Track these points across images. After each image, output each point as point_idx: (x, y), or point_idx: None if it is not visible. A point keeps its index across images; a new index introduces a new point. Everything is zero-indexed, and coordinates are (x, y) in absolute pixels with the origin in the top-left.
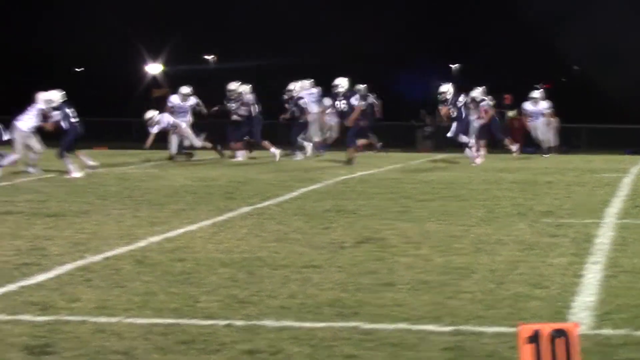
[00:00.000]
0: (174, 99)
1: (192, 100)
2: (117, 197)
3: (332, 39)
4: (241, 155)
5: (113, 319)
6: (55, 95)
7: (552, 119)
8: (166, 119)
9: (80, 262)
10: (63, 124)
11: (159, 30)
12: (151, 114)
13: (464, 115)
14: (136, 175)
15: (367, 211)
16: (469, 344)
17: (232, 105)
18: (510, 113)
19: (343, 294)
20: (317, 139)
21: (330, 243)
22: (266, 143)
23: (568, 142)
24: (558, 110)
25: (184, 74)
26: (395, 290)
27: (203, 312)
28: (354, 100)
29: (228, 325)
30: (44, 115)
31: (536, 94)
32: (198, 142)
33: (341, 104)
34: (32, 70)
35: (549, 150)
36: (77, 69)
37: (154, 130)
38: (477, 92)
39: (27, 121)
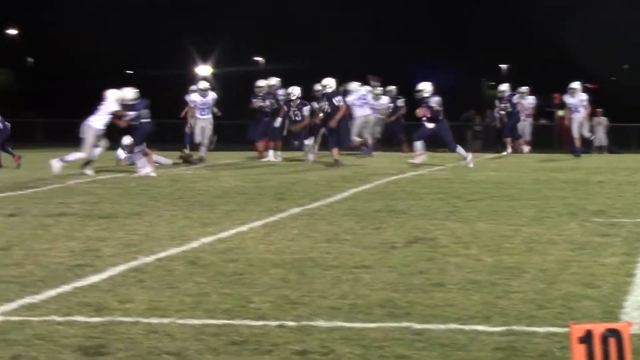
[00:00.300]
0: (194, 96)
1: (212, 95)
2: (168, 198)
3: (365, 40)
4: (273, 156)
5: (165, 320)
6: (129, 93)
7: (601, 118)
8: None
9: (132, 263)
10: (135, 122)
11: (209, 32)
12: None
13: (514, 113)
14: (187, 176)
15: (417, 211)
16: (521, 344)
17: (262, 102)
18: (560, 112)
19: (394, 294)
20: (359, 139)
21: (381, 243)
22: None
23: (617, 142)
24: (607, 109)
25: (233, 75)
26: (445, 290)
27: (255, 313)
28: (337, 101)
29: (280, 326)
30: (118, 113)
31: (575, 84)
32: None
33: (326, 105)
34: (87, 73)
35: (600, 149)
36: (128, 72)
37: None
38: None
39: (99, 119)
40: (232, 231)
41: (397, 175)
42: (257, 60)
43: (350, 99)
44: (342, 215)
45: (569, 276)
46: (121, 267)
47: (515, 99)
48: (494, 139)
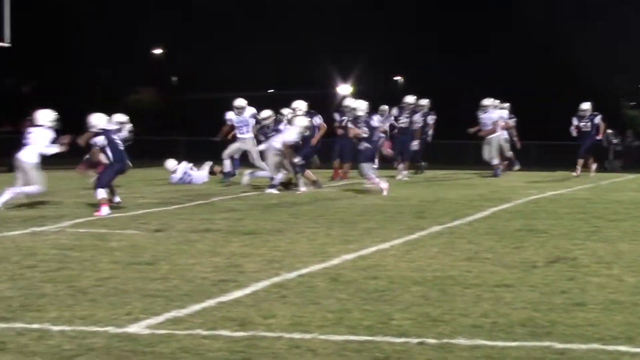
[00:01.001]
0: (230, 115)
1: (249, 112)
2: (309, 215)
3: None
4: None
5: (308, 335)
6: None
7: None
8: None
9: (275, 279)
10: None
11: (348, 52)
12: None
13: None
14: (328, 194)
15: (557, 231)
16: None
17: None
18: None
19: (535, 313)
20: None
21: (521, 262)
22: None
23: None
24: None
25: (373, 94)
26: (587, 310)
27: (396, 330)
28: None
29: (421, 343)
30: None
31: None
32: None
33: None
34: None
35: None
36: (269, 91)
37: None
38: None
39: (287, 136)
40: (373, 248)
41: (536, 195)
42: (396, 80)
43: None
44: (482, 234)
45: None
46: (264, 283)
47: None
48: (633, 158)
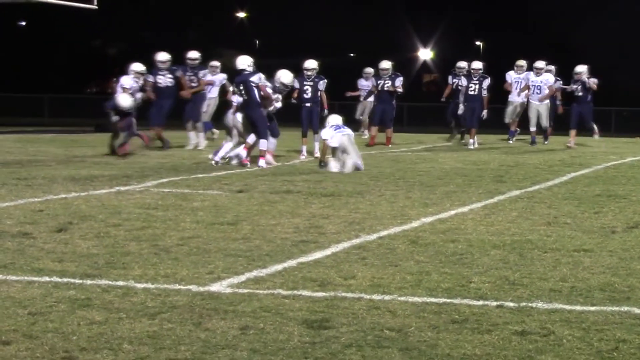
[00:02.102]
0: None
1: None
2: (390, 178)
3: None
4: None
5: (387, 297)
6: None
7: None
8: None
9: (355, 241)
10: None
11: (431, 16)
12: None
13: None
14: (409, 157)
15: (637, 196)
16: None
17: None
18: None
19: (614, 278)
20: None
21: (600, 227)
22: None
23: None
24: None
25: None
26: None
27: (475, 293)
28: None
29: (499, 306)
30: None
31: None
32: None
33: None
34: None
35: None
36: (350, 54)
37: None
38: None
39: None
40: (452, 212)
41: (616, 160)
42: (478, 45)
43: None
44: (561, 199)
45: None
46: (344, 244)
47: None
48: None
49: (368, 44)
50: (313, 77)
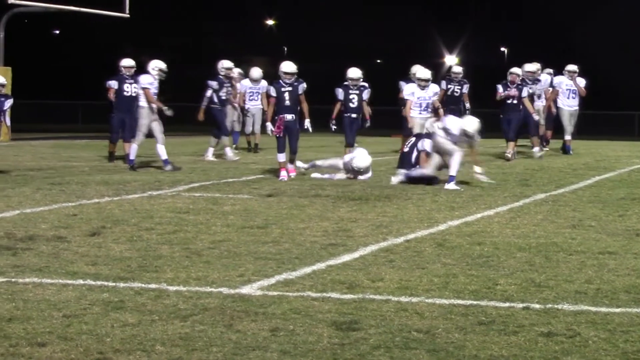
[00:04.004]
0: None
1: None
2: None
3: None
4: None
5: (414, 299)
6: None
7: None
8: None
9: (383, 244)
10: None
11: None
12: None
13: None
14: None
15: None
16: None
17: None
18: None
19: (639, 280)
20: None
21: (625, 230)
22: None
23: None
24: None
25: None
26: None
27: (501, 295)
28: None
29: (526, 308)
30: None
31: None
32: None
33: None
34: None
35: None
36: (377, 61)
37: None
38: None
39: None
40: (478, 215)
41: None
42: (503, 51)
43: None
44: (586, 202)
45: None
46: (372, 247)
47: None
48: None
49: (395, 49)
50: (359, 86)
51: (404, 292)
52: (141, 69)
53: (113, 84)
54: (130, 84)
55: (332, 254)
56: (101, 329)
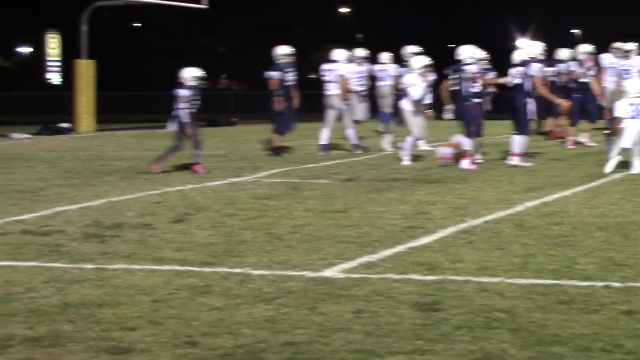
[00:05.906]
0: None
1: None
2: (492, 163)
3: None
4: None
5: (495, 279)
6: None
7: None
8: None
9: (461, 226)
10: None
11: (526, 5)
12: None
13: None
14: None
15: None
16: None
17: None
18: None
19: None
20: None
21: None
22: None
23: None
24: None
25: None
26: None
27: (581, 274)
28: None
29: (606, 287)
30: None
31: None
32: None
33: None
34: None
35: None
36: (449, 45)
37: None
38: None
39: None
40: (555, 195)
41: None
42: (574, 33)
43: None
44: None
45: None
46: (451, 229)
47: None
48: None
49: (465, 35)
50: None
51: (484, 272)
52: (218, 60)
53: (275, 74)
54: (289, 72)
55: (412, 237)
56: (188, 313)
